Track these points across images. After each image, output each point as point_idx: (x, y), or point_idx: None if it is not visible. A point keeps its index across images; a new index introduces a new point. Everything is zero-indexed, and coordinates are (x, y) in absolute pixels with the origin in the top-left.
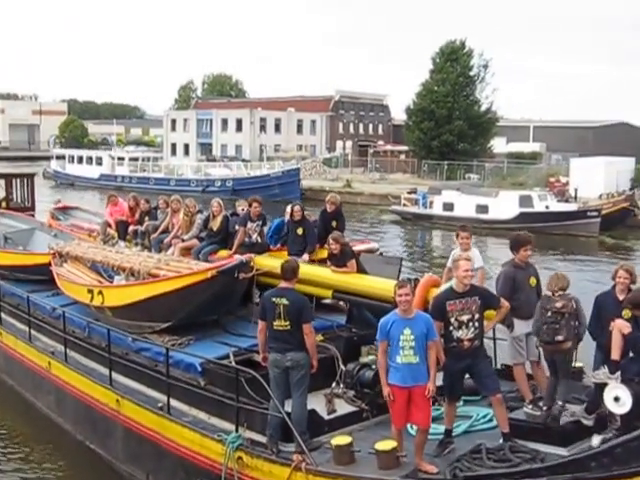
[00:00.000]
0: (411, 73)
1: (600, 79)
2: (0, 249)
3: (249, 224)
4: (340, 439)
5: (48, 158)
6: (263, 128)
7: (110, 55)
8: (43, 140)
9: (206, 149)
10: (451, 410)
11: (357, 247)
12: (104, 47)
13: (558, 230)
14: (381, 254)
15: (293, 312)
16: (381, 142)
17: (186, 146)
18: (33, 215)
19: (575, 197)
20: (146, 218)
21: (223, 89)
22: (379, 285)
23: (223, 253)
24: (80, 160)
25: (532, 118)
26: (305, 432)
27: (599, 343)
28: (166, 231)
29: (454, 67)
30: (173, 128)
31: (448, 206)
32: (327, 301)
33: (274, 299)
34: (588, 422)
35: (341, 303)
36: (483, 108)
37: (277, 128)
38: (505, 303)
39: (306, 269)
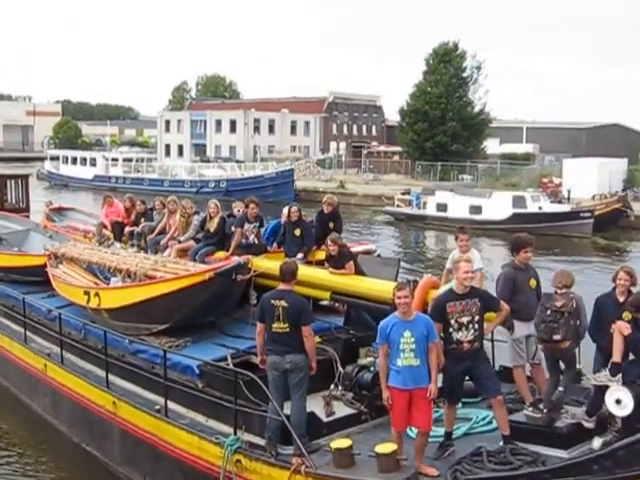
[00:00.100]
0: (412, 73)
1: (600, 79)
2: None
3: (246, 225)
4: (340, 442)
5: (42, 159)
6: (257, 129)
7: (104, 56)
8: (37, 141)
9: (200, 150)
10: (451, 413)
11: (355, 248)
12: (98, 48)
13: (551, 231)
14: (379, 255)
15: (292, 314)
16: (375, 143)
17: (180, 147)
18: (28, 216)
19: (568, 198)
20: (142, 219)
21: (217, 90)
22: (377, 287)
23: (220, 254)
24: (74, 161)
25: (525, 119)
26: (304, 435)
27: (599, 345)
28: (162, 232)
29: (447, 68)
30: (167, 129)
31: (441, 207)
32: (324, 302)
33: (273, 301)
34: (589, 425)
35: (337, 304)
36: (476, 109)
37: (271, 129)
38: (505, 306)
39: (304, 271)
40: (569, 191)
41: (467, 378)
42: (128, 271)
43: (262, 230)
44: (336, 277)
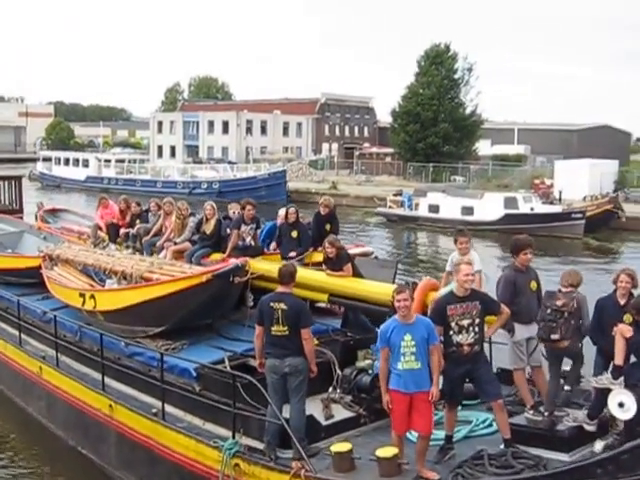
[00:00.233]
0: (408, 74)
1: (600, 79)
2: None
3: (242, 227)
4: (340, 446)
5: (34, 160)
6: (249, 130)
7: (97, 57)
8: (29, 142)
9: (192, 151)
10: (451, 416)
11: (352, 250)
12: (91, 49)
13: (543, 232)
14: (376, 257)
15: (292, 317)
16: (367, 144)
17: (172, 148)
18: (21, 218)
19: (559, 199)
20: (137, 221)
21: (209, 91)
22: (375, 289)
23: (216, 256)
24: (67, 162)
25: (517, 120)
26: (304, 438)
27: (600, 347)
28: (158, 234)
29: (439, 70)
30: (159, 130)
31: (433, 208)
32: (321, 304)
33: (272, 304)
34: (590, 428)
35: (333, 306)
36: (468, 111)
37: (263, 130)
38: (505, 309)
39: (302, 273)
40: (560, 192)
41: (467, 380)
42: (124, 273)
43: (259, 232)
44: (334, 279)
